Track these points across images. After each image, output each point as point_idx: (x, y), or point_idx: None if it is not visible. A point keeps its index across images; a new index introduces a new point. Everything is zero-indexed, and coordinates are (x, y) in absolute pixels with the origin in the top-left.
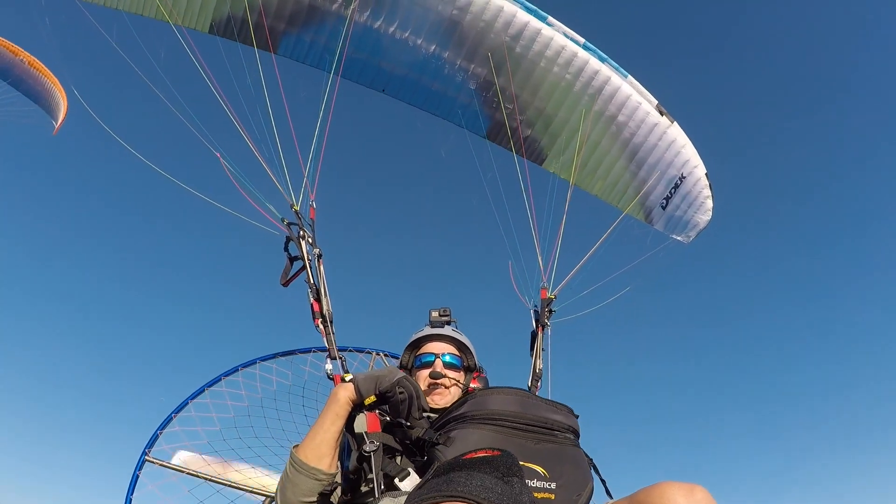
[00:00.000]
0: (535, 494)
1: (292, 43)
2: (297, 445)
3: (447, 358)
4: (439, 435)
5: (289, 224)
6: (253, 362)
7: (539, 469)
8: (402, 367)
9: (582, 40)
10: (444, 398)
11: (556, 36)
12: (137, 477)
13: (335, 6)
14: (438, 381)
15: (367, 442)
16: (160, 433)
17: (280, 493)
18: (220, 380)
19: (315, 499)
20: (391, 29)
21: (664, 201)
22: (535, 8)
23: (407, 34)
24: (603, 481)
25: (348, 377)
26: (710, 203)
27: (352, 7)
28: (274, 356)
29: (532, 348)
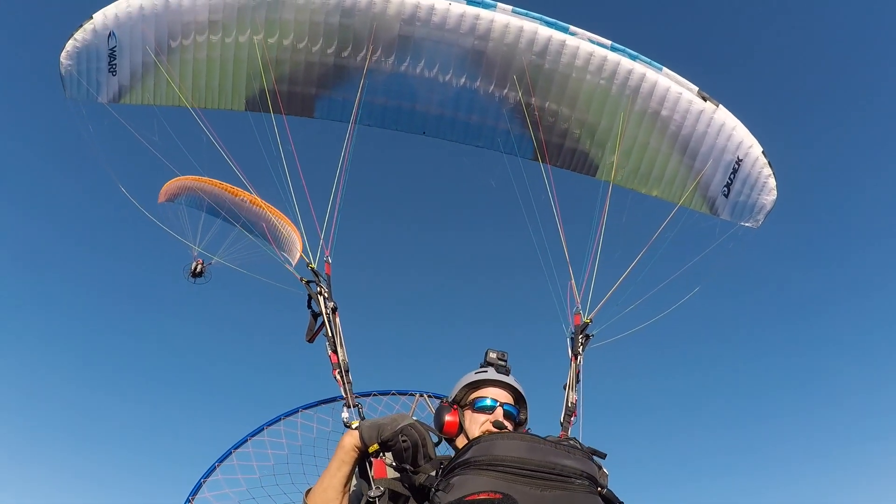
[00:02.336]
0: None
1: (326, 105)
2: (308, 490)
3: (508, 408)
4: (439, 481)
5: (307, 282)
6: (294, 411)
7: None
8: (454, 402)
9: (608, 42)
10: None
11: (582, 44)
12: None
13: (359, 61)
14: (500, 430)
15: (373, 488)
16: (204, 481)
17: None
18: (263, 430)
19: None
20: (419, 72)
21: (725, 189)
22: (555, 21)
23: (435, 74)
24: None
25: (354, 424)
26: (772, 182)
27: (377, 60)
28: (316, 404)
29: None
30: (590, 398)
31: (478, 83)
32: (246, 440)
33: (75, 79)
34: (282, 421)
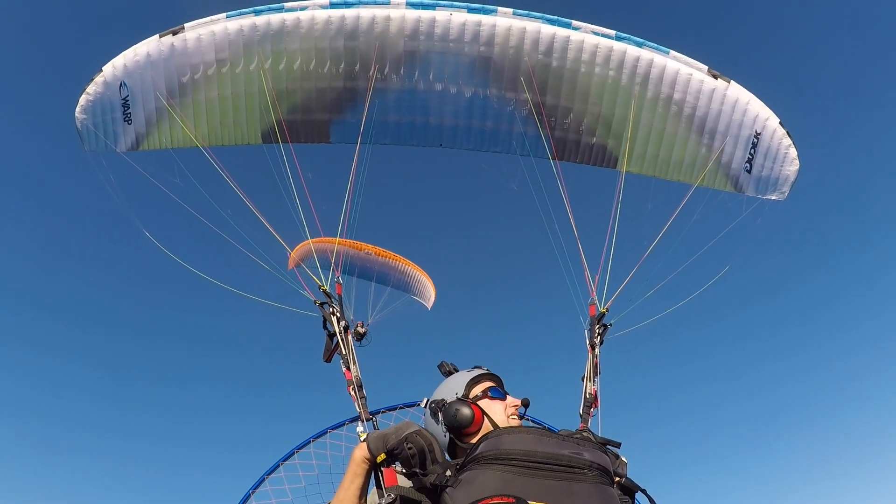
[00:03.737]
0: None
1: (340, 128)
2: None
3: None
4: (449, 478)
5: (321, 304)
6: (323, 433)
7: None
8: (465, 398)
9: (612, 32)
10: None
11: (587, 37)
12: None
13: (368, 81)
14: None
15: (385, 496)
16: (252, 493)
17: None
18: (310, 442)
19: None
20: (428, 86)
21: (747, 165)
22: (557, 17)
23: (444, 85)
24: None
25: (363, 437)
26: (793, 152)
27: (385, 78)
28: (342, 423)
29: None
30: (611, 389)
31: (488, 89)
32: (278, 465)
33: (92, 132)
34: (311, 443)
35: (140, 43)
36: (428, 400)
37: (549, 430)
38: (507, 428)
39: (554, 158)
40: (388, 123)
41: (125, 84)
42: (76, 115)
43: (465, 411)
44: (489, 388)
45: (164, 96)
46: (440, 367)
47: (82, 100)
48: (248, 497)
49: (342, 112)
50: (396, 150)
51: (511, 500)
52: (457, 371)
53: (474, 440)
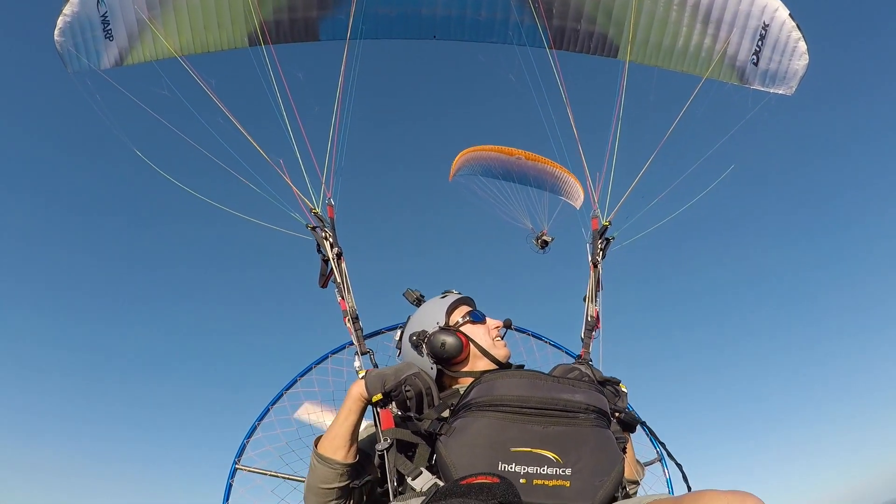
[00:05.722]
0: (546, 482)
1: (330, 25)
2: (318, 438)
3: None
4: (442, 425)
5: (313, 228)
6: (341, 348)
7: (550, 454)
8: (445, 326)
9: None
10: (506, 349)
11: None
12: (231, 486)
13: None
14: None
15: (382, 440)
16: (247, 442)
17: (307, 477)
18: (311, 368)
19: (335, 486)
20: None
21: (754, 57)
22: None
23: None
24: (662, 444)
25: (362, 373)
26: (803, 45)
27: None
28: (341, 348)
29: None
30: (613, 310)
31: None
32: (281, 394)
33: (73, 53)
34: (313, 369)
35: None
36: (401, 332)
37: (543, 373)
38: (500, 371)
39: (551, 48)
40: (378, 16)
41: (102, 0)
42: (55, 37)
43: (452, 340)
44: (469, 313)
45: (143, 8)
46: (406, 295)
47: (60, 21)
48: (254, 429)
49: (330, 7)
50: (390, 45)
51: (496, 479)
52: (423, 299)
53: (463, 369)
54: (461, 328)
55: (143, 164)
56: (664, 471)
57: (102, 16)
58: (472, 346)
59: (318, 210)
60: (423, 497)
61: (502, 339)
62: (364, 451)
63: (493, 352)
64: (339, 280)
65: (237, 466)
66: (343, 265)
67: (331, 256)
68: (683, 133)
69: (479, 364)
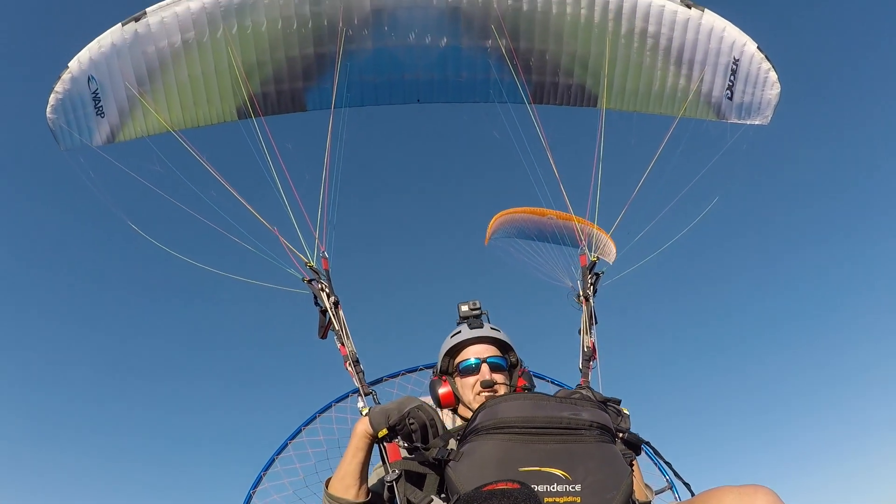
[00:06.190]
0: (559, 499)
1: (316, 95)
2: (328, 480)
3: (491, 360)
4: (450, 451)
5: (309, 281)
6: (344, 396)
7: (558, 472)
8: (442, 372)
9: None
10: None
11: None
12: None
13: (337, 45)
14: (490, 389)
15: (391, 471)
16: (253, 492)
17: None
18: (316, 417)
19: None
20: (400, 42)
21: (728, 91)
22: None
23: (416, 40)
24: (668, 464)
25: (365, 411)
26: (773, 75)
27: (355, 39)
28: (345, 396)
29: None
30: (609, 340)
31: (462, 40)
32: (286, 444)
33: (65, 130)
34: (318, 418)
35: (103, 34)
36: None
37: (546, 394)
38: (503, 396)
39: (531, 103)
40: (362, 84)
41: (93, 77)
42: (47, 115)
43: (439, 392)
44: (461, 363)
45: (133, 85)
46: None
47: (52, 99)
48: (259, 479)
49: (315, 79)
50: (375, 111)
51: (516, 485)
52: (466, 314)
53: (465, 413)
54: (454, 377)
55: (141, 237)
56: (675, 496)
57: (93, 93)
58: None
59: (314, 263)
60: None
61: (491, 387)
62: (376, 491)
63: (471, 407)
64: (337, 328)
65: None
66: (341, 312)
67: (328, 306)
68: (666, 169)
69: (468, 411)
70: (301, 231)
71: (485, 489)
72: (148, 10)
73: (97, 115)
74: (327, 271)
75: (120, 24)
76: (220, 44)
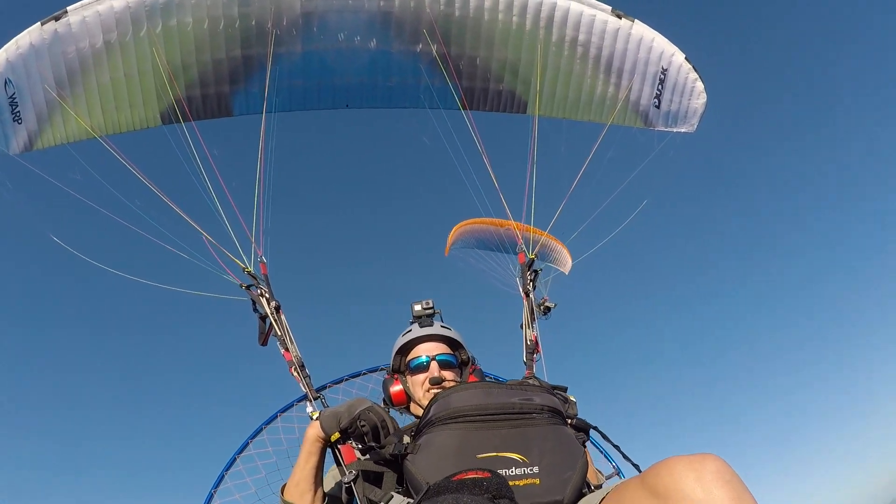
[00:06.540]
0: (518, 482)
1: (243, 100)
2: (283, 486)
3: (441, 358)
4: (407, 445)
5: (247, 287)
6: (290, 406)
7: (515, 456)
8: (394, 371)
9: None
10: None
11: None
12: None
13: (266, 48)
14: (438, 385)
15: (346, 473)
16: (215, 491)
17: None
18: (262, 429)
19: None
20: (330, 46)
21: (656, 100)
22: None
23: (346, 44)
24: (616, 447)
25: (315, 415)
26: (700, 85)
27: (284, 42)
28: (291, 405)
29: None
30: (552, 334)
31: (393, 45)
32: (234, 458)
33: None
34: (264, 430)
35: (21, 34)
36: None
37: (496, 380)
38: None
39: (463, 108)
40: (291, 89)
41: (10, 81)
42: None
43: (390, 391)
44: (411, 361)
45: (53, 88)
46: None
47: None
48: (211, 497)
49: (243, 82)
50: (307, 117)
51: (486, 473)
52: (418, 313)
53: (417, 411)
54: (405, 374)
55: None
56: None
57: (10, 97)
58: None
59: (251, 269)
60: None
61: (440, 384)
62: (333, 495)
63: (421, 404)
64: (279, 333)
65: None
66: (282, 317)
67: (269, 311)
68: (596, 171)
69: (419, 409)
70: (237, 236)
71: (455, 479)
72: (69, 8)
73: (14, 121)
74: (266, 276)
75: (39, 23)
76: (145, 44)
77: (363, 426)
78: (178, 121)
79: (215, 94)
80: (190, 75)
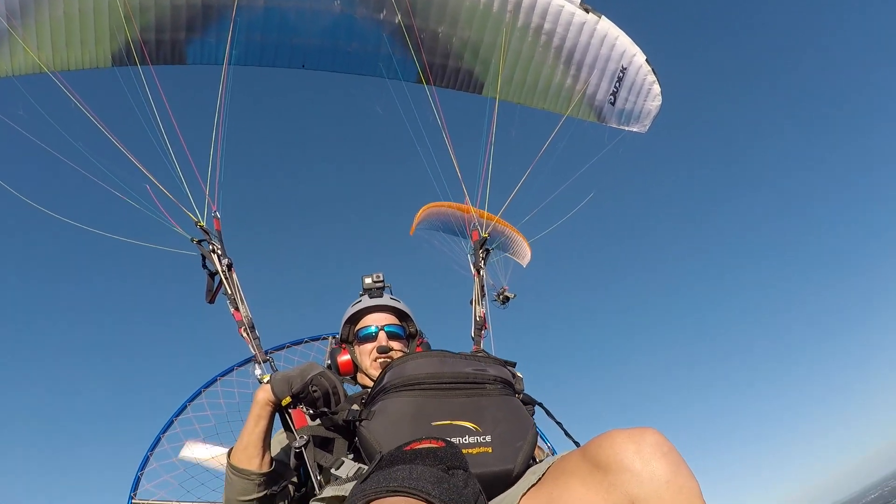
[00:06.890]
0: (471, 450)
1: (198, 49)
2: (230, 450)
3: (389, 329)
4: (361, 411)
5: (199, 241)
6: (213, 381)
7: (469, 425)
8: (343, 341)
9: None
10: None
11: None
12: None
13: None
14: (385, 354)
15: (298, 438)
16: (141, 474)
17: (224, 492)
18: (216, 380)
19: (253, 497)
20: (294, 4)
21: (612, 97)
22: None
23: (311, 4)
24: (559, 423)
25: (266, 378)
26: (657, 88)
27: None
28: (232, 368)
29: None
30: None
31: (357, 9)
32: (185, 405)
33: None
34: (203, 393)
35: None
36: (336, 335)
37: (451, 351)
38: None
39: (420, 82)
40: (250, 43)
41: None
42: None
43: (338, 360)
44: (360, 330)
45: (3, 16)
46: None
47: None
48: (158, 440)
49: (200, 31)
50: (261, 78)
51: (441, 443)
52: (369, 286)
53: (364, 381)
54: (353, 344)
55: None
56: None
57: None
58: (359, 367)
59: (204, 223)
60: (355, 481)
61: (387, 353)
62: (280, 460)
63: (369, 373)
64: (230, 291)
65: (134, 502)
66: (234, 276)
67: (220, 268)
68: (548, 161)
69: (367, 379)
70: (190, 189)
71: (407, 448)
72: None
73: None
74: (219, 232)
75: None
76: None
77: (315, 391)
78: (132, 63)
79: (171, 40)
80: (147, 18)
